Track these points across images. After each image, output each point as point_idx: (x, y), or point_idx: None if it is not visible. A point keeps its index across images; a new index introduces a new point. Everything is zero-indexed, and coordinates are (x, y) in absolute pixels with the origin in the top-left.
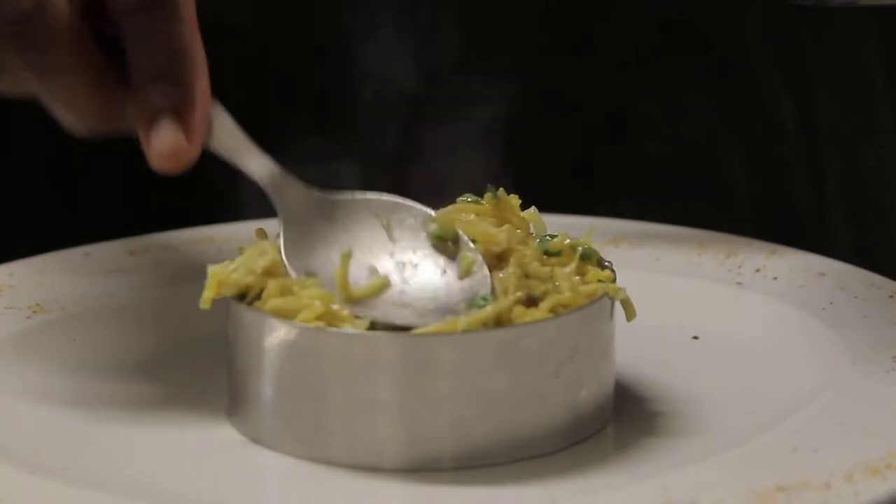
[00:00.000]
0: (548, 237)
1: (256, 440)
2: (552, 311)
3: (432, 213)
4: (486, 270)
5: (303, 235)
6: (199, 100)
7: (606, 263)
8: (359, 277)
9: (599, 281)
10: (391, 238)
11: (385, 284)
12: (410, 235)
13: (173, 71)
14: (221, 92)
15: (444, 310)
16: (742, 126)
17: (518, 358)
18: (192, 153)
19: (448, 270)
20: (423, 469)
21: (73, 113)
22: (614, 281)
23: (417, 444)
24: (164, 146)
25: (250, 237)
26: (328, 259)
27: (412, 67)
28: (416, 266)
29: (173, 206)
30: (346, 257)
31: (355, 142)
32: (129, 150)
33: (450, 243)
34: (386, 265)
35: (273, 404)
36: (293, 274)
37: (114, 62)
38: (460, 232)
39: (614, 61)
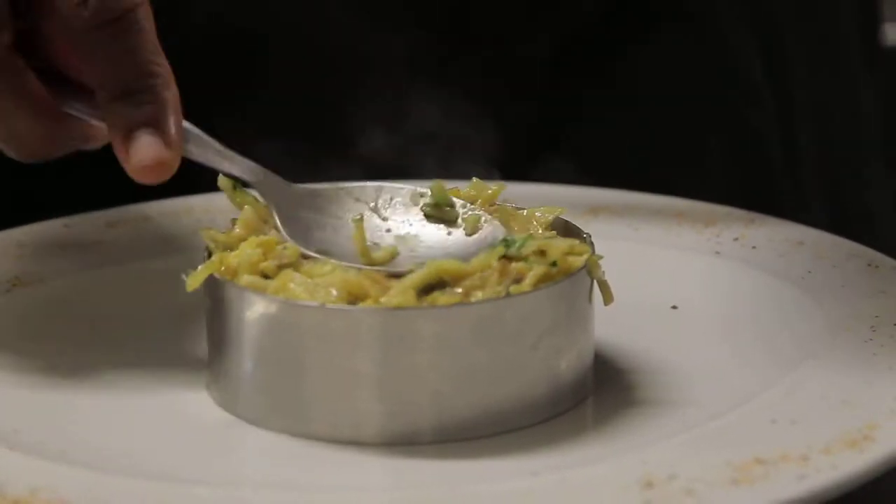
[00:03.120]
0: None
1: (236, 414)
2: (537, 283)
3: (418, 188)
4: (495, 222)
5: (297, 225)
6: (172, 109)
7: (585, 235)
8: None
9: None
10: (382, 217)
11: (395, 252)
12: (401, 211)
13: (142, 84)
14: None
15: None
16: (715, 93)
17: (497, 331)
18: (174, 162)
19: (453, 232)
20: (403, 443)
21: (13, 142)
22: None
23: (397, 418)
24: (145, 157)
25: (227, 208)
26: (331, 241)
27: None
28: (417, 235)
29: None
30: (360, 222)
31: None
32: None
33: (447, 208)
34: (387, 240)
35: (253, 379)
36: (305, 250)
37: (53, 88)
38: (455, 198)
39: (584, 26)
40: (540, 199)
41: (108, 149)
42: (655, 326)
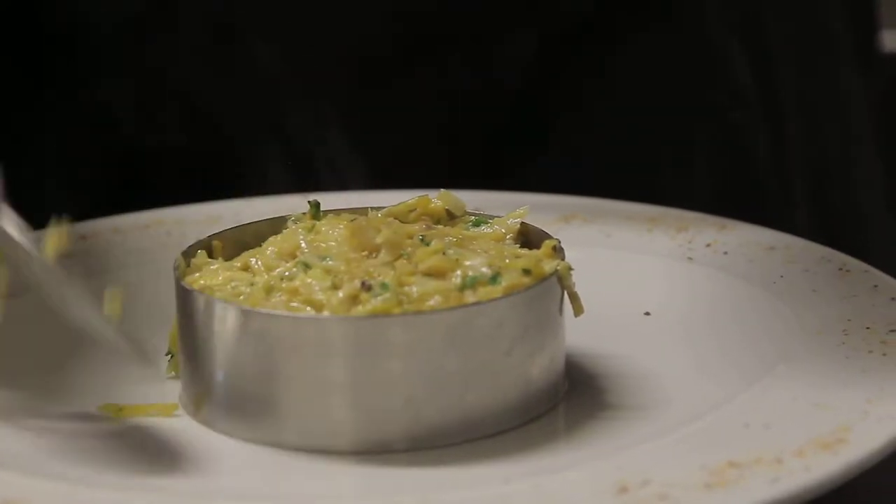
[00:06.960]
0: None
1: (208, 425)
2: (508, 291)
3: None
4: None
5: None
6: None
7: (555, 242)
8: None
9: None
10: None
11: None
12: None
13: None
14: None
15: None
16: (701, 93)
17: (470, 338)
18: None
19: None
20: (376, 451)
21: None
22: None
23: (370, 427)
24: None
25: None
26: None
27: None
28: None
29: (121, 190)
30: None
31: None
32: (76, 134)
33: None
34: None
35: (224, 388)
36: None
37: None
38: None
39: (571, 27)
40: (511, 207)
41: (76, 163)
42: (628, 332)
